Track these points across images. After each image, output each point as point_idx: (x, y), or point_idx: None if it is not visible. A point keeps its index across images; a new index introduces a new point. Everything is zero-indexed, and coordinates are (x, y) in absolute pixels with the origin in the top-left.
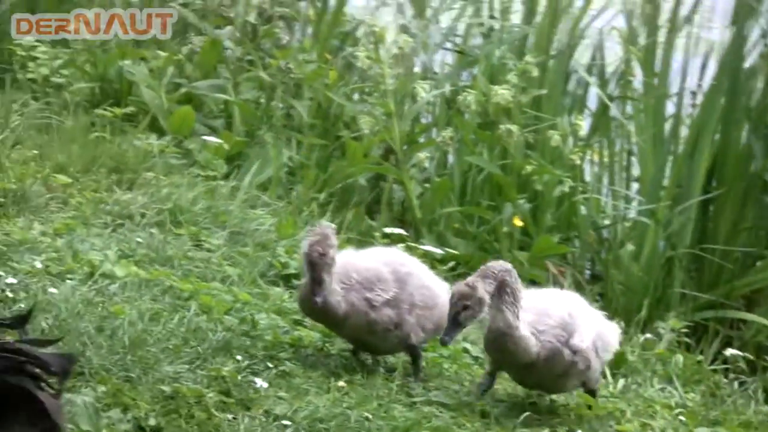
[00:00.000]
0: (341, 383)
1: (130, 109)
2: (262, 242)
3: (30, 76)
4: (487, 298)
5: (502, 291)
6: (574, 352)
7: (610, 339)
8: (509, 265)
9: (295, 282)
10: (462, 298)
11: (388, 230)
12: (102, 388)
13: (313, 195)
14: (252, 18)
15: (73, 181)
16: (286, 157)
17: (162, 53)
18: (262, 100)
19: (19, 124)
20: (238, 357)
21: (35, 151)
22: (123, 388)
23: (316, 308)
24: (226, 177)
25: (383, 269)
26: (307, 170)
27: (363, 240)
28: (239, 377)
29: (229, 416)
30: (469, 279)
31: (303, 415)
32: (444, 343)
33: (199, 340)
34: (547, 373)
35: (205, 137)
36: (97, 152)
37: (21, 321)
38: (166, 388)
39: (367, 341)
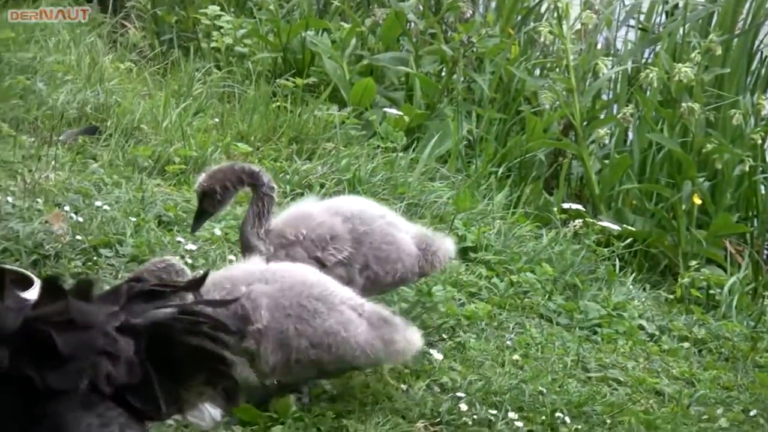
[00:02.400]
0: (516, 356)
1: (311, 80)
2: (440, 215)
3: (214, 45)
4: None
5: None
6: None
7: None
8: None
9: (472, 255)
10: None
11: (565, 205)
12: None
13: (491, 169)
14: None
15: (253, 150)
16: (465, 131)
17: (345, 25)
18: (443, 74)
19: (201, 92)
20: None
21: (216, 120)
22: None
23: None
24: (406, 149)
25: (339, 226)
26: (486, 144)
27: (539, 215)
28: None
29: (403, 386)
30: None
31: (477, 387)
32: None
33: None
34: None
35: (385, 109)
36: (277, 122)
37: (196, 284)
38: None
39: None
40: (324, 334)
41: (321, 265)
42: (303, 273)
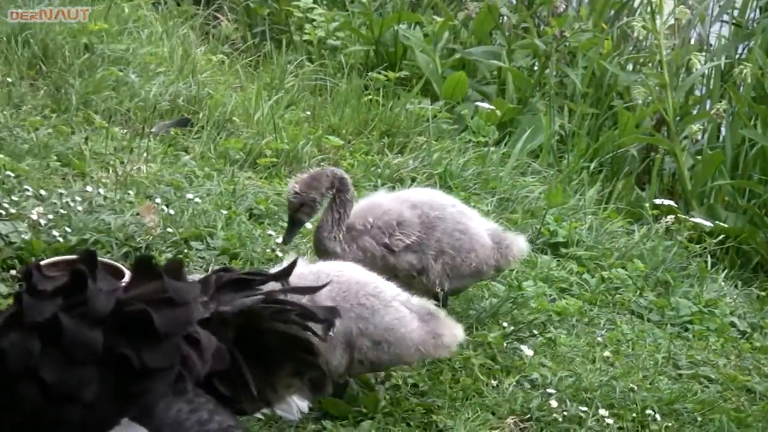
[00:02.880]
0: (606, 353)
1: (403, 73)
2: (531, 209)
3: (306, 37)
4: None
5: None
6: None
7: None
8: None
9: (563, 250)
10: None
11: (657, 201)
12: None
13: (583, 164)
14: None
15: (344, 143)
16: (557, 125)
17: (438, 18)
18: (536, 68)
19: (293, 85)
20: (504, 323)
21: (308, 113)
22: None
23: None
24: (497, 143)
25: (407, 212)
26: (578, 139)
27: (631, 210)
28: (505, 344)
29: (493, 382)
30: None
31: (567, 383)
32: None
33: (465, 305)
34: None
35: (477, 103)
36: (369, 115)
37: (285, 274)
38: None
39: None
40: (384, 331)
41: (390, 251)
42: (353, 271)
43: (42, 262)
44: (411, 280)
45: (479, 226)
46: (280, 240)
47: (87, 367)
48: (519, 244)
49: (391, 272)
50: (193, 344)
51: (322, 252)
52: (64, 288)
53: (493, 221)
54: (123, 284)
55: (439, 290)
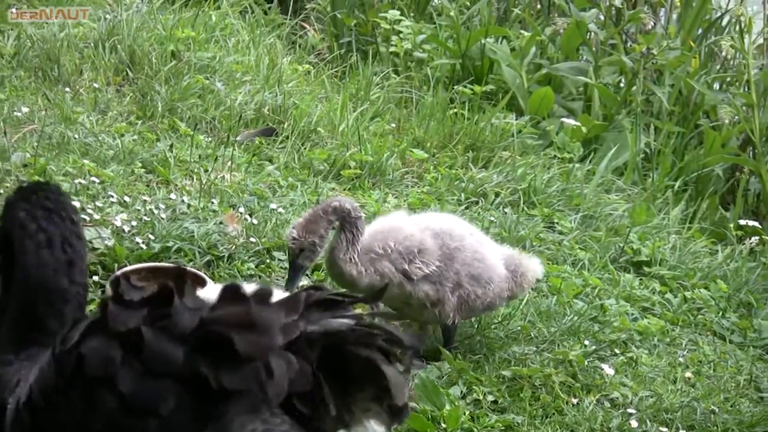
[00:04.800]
0: (688, 374)
1: (489, 87)
2: (615, 227)
3: (392, 49)
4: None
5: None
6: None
7: (492, 272)
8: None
9: (646, 269)
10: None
11: (741, 222)
12: (446, 366)
13: (668, 182)
14: (618, 2)
15: (429, 156)
16: (643, 143)
17: (525, 33)
18: (622, 85)
19: (379, 96)
20: (586, 342)
21: (393, 125)
22: (468, 366)
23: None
24: (582, 160)
25: (429, 240)
26: (663, 157)
27: (715, 230)
28: (586, 362)
29: (574, 400)
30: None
31: (647, 404)
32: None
33: (546, 322)
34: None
35: (563, 119)
36: (454, 129)
37: (374, 297)
38: (508, 373)
39: (404, 312)
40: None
41: (407, 278)
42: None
43: (124, 269)
44: (423, 309)
45: (495, 255)
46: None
47: (165, 381)
48: (533, 268)
49: (404, 299)
50: (274, 369)
51: (338, 275)
52: (151, 300)
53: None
54: (209, 302)
55: (449, 323)
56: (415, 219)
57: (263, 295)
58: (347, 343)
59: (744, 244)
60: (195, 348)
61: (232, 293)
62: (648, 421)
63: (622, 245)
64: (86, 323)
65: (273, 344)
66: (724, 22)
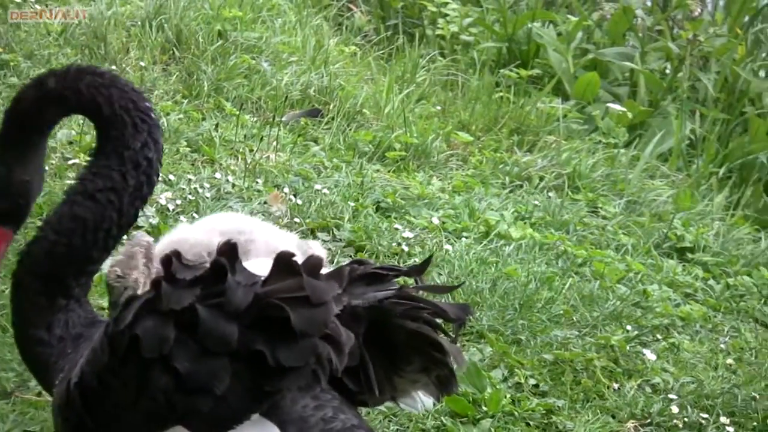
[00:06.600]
0: (729, 360)
1: (535, 71)
2: (659, 213)
3: (439, 32)
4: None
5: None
6: None
7: None
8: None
9: (689, 255)
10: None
11: None
12: (488, 349)
13: (712, 169)
14: None
15: (474, 139)
16: (688, 130)
17: (572, 17)
18: (668, 71)
19: (425, 79)
20: (628, 327)
21: (439, 108)
22: (510, 350)
23: None
24: (627, 145)
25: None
26: (708, 144)
27: (759, 218)
28: (627, 347)
29: (615, 385)
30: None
31: (689, 389)
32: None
33: (589, 307)
34: None
35: (608, 104)
36: (499, 112)
37: (419, 270)
38: (549, 357)
39: None
40: None
41: None
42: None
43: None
44: None
45: (289, 244)
46: (407, 234)
47: (220, 360)
48: (320, 254)
49: None
50: (331, 343)
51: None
52: (204, 278)
53: None
54: (261, 277)
55: None
56: (199, 224)
57: (314, 266)
58: (393, 316)
59: None
60: (250, 325)
61: (285, 264)
62: (689, 407)
63: (665, 231)
64: (139, 302)
65: (328, 317)
66: None
